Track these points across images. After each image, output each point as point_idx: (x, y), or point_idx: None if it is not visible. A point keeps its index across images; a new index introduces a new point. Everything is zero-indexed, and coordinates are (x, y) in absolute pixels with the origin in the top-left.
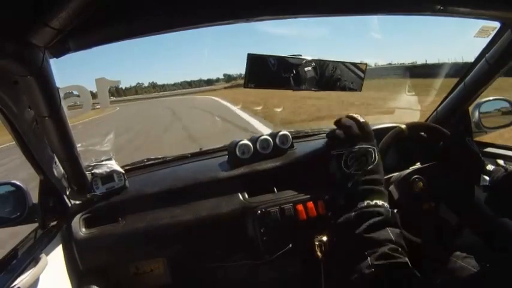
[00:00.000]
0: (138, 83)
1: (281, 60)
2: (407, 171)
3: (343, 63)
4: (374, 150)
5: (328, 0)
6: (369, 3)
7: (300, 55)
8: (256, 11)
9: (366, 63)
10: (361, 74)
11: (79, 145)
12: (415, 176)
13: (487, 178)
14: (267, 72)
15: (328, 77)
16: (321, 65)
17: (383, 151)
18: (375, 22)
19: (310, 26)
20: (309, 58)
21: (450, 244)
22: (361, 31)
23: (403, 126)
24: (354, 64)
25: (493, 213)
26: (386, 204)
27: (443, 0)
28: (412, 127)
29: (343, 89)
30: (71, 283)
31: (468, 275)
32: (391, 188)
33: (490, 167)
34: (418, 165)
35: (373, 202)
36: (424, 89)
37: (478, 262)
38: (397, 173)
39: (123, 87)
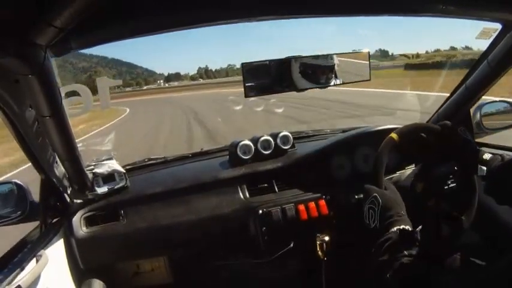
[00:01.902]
0: (229, 65)
1: (278, 63)
2: (407, 172)
3: (343, 54)
4: (375, 198)
5: (330, 1)
6: (371, 3)
7: (299, 55)
8: (257, 11)
9: (368, 51)
10: (366, 62)
11: (80, 144)
12: (416, 177)
13: (484, 168)
14: (265, 79)
15: (332, 71)
16: (321, 61)
17: (379, 161)
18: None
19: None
20: (307, 55)
21: (453, 242)
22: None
23: (394, 135)
24: (355, 53)
25: (492, 203)
26: (395, 229)
27: (445, 1)
28: (403, 133)
29: (352, 80)
30: (72, 281)
31: (471, 274)
32: None
33: (486, 156)
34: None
35: (386, 235)
36: None
37: (480, 261)
38: (398, 174)
39: (213, 69)
